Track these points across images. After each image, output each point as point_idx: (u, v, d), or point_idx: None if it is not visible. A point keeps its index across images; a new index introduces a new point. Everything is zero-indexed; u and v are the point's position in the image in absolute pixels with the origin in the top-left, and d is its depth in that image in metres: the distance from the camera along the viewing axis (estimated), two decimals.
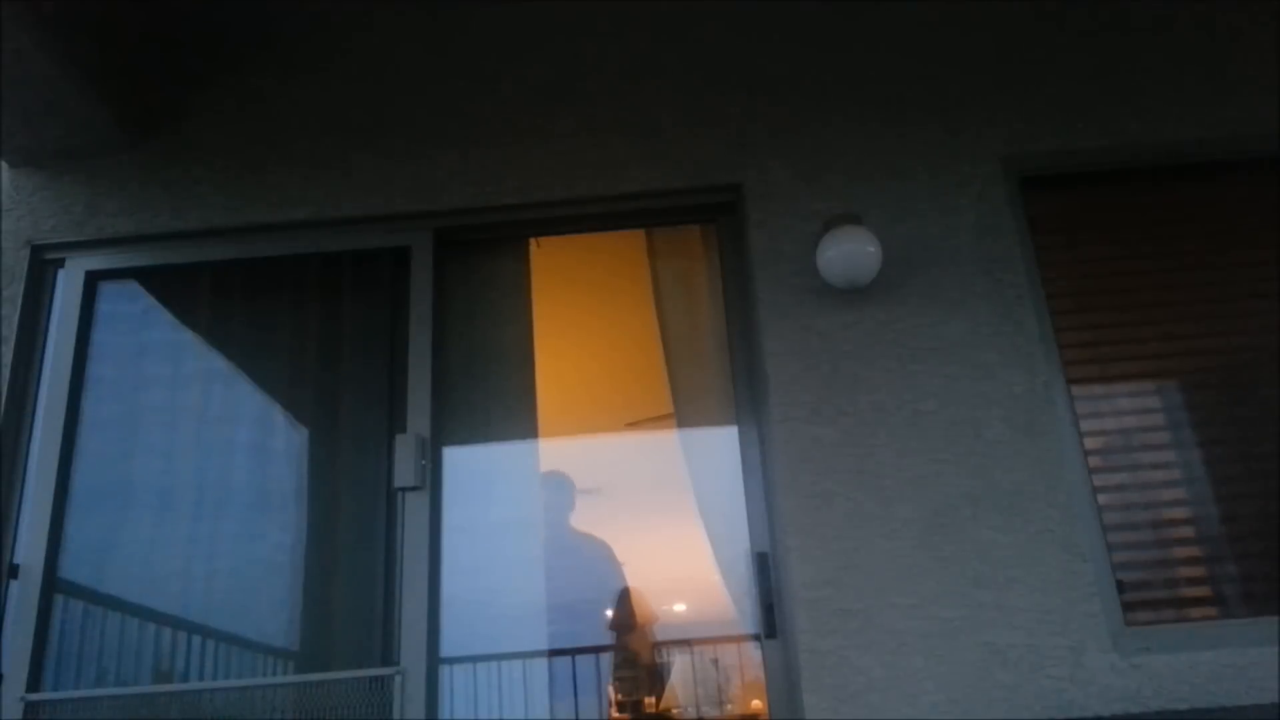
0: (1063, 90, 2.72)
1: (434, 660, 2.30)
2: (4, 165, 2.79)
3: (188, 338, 2.70)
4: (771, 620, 2.32)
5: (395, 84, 2.85)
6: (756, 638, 2.35)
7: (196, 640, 2.41)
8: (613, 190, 2.67)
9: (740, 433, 2.56)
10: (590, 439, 3.40)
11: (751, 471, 2.47)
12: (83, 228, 2.71)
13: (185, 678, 2.36)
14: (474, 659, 2.32)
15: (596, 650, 3.00)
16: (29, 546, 2.41)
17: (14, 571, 2.41)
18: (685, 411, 2.73)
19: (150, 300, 2.73)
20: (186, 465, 2.53)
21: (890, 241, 2.46)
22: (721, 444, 2.66)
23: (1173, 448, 2.45)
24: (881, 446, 2.35)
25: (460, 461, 2.49)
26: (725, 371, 2.64)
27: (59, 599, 2.40)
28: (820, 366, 2.43)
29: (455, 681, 2.34)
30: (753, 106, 2.74)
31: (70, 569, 2.43)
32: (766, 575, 2.35)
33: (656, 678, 3.34)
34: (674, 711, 3.19)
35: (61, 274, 2.70)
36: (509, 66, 2.85)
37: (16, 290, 2.63)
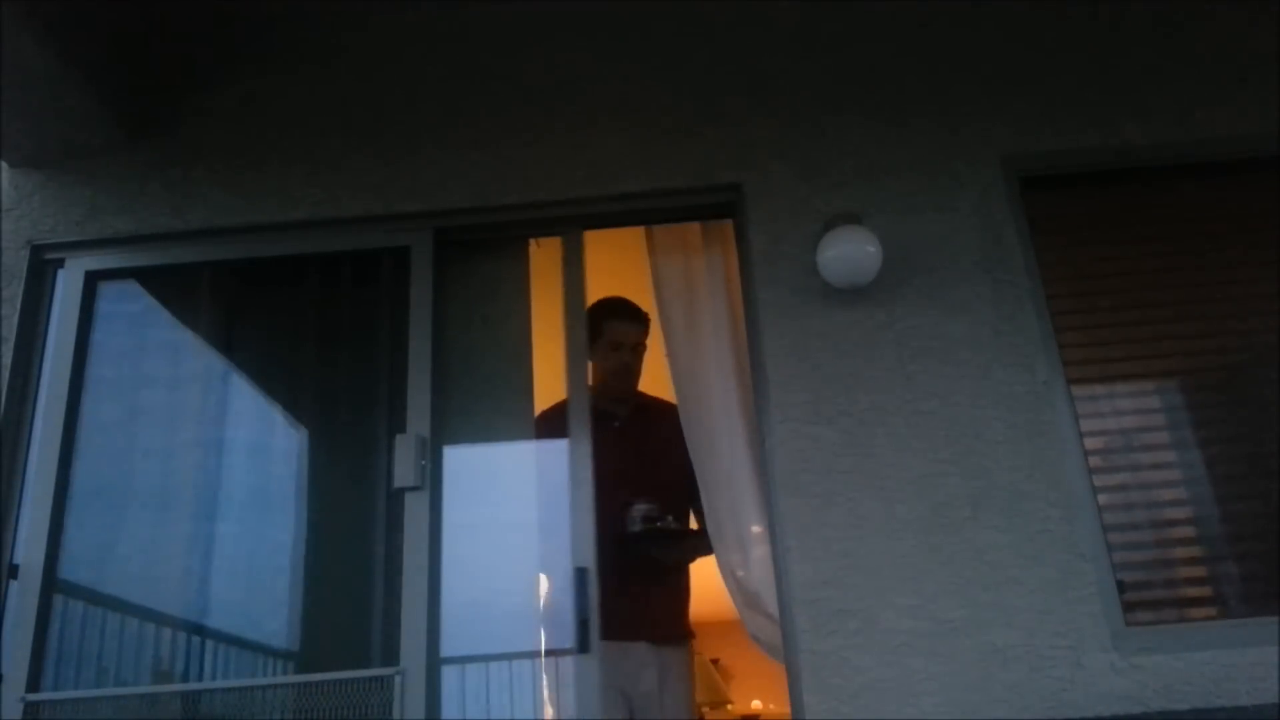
0: (1063, 90, 2.72)
1: (434, 660, 2.29)
2: (4, 165, 2.79)
3: (188, 338, 2.70)
4: (585, 636, 2.27)
5: (395, 84, 2.85)
6: (568, 652, 2.30)
7: (196, 640, 2.41)
8: (612, 190, 2.67)
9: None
10: None
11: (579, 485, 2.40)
12: (83, 228, 2.71)
13: (185, 678, 2.36)
14: (474, 659, 2.32)
15: None
16: (29, 546, 2.40)
17: (14, 571, 2.41)
18: (687, 410, 2.72)
19: (150, 300, 2.72)
20: (186, 465, 2.53)
21: (890, 241, 2.46)
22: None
23: (1173, 448, 2.45)
24: (881, 446, 2.35)
25: (460, 461, 2.49)
26: (726, 370, 2.65)
27: (59, 599, 2.40)
28: (820, 366, 2.42)
29: (455, 681, 2.33)
30: (753, 106, 2.74)
31: (70, 569, 2.42)
32: (584, 590, 2.30)
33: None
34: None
35: (61, 274, 2.69)
36: (509, 66, 2.85)
37: (16, 290, 2.63)
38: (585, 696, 2.25)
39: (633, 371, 2.94)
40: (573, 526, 2.36)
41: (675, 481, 2.78)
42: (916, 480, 2.31)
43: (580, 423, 2.45)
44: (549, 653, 2.43)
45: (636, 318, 2.93)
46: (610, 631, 2.52)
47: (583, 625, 2.27)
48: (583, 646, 2.27)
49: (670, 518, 2.72)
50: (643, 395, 3.01)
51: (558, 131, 2.74)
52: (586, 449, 2.42)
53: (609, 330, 2.89)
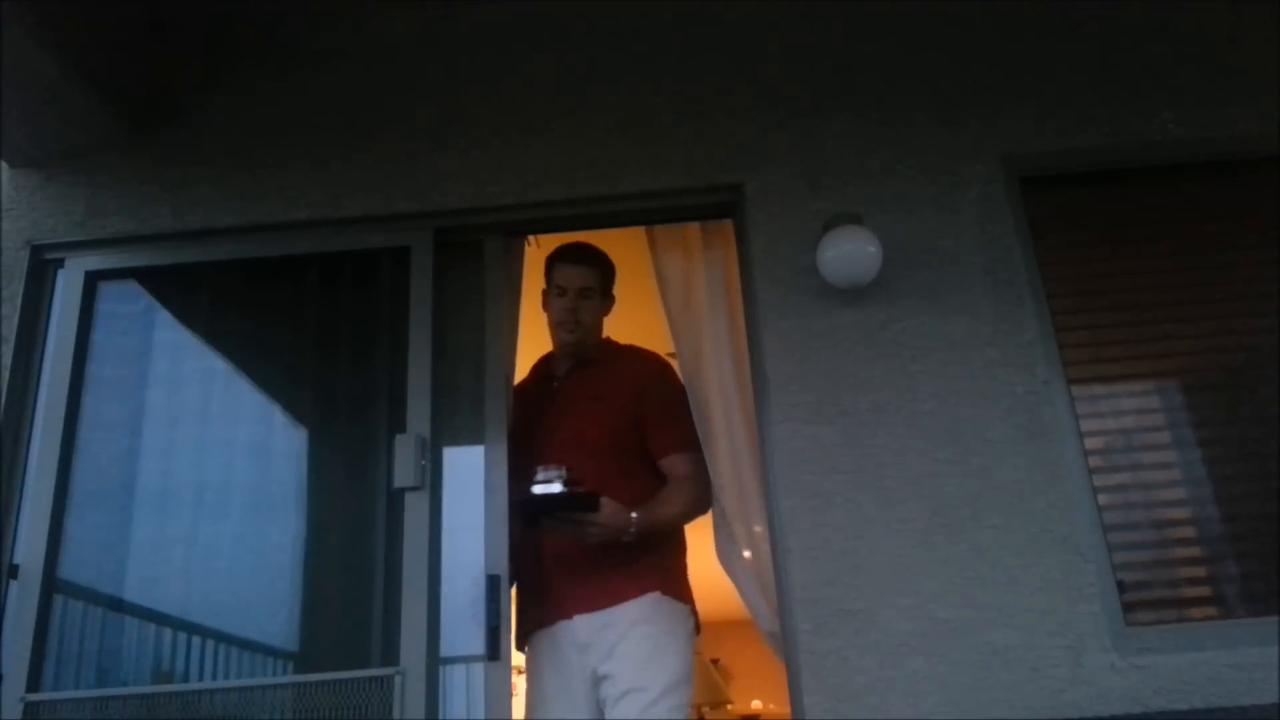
0: (1063, 90, 2.72)
1: (434, 660, 2.29)
2: (4, 165, 2.79)
3: (188, 338, 2.70)
4: (496, 643, 2.25)
5: (395, 84, 2.85)
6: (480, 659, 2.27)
7: (196, 640, 2.41)
8: (613, 190, 2.67)
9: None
10: None
11: (493, 490, 2.38)
12: (83, 228, 2.71)
13: (185, 678, 2.36)
14: (474, 659, 2.31)
15: None
16: (29, 546, 2.40)
17: (14, 571, 2.41)
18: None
19: (150, 300, 2.72)
20: (186, 465, 2.53)
21: (890, 241, 2.46)
22: None
23: (1173, 448, 2.45)
24: (881, 446, 2.35)
25: (460, 461, 2.48)
26: (728, 370, 2.65)
27: (59, 599, 2.40)
28: (820, 366, 2.42)
29: (455, 681, 2.33)
30: (753, 106, 2.74)
31: (70, 569, 2.42)
32: (496, 598, 2.28)
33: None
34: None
35: (61, 274, 2.69)
36: (509, 66, 2.85)
37: (16, 290, 2.63)
38: (497, 704, 2.23)
39: (581, 321, 2.56)
40: (486, 533, 2.34)
41: (604, 438, 2.45)
42: (916, 480, 2.31)
43: (496, 426, 2.44)
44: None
45: (581, 259, 2.58)
46: (536, 622, 2.40)
47: (493, 633, 2.25)
48: (493, 654, 2.25)
49: (560, 478, 2.23)
50: (606, 347, 2.66)
51: (558, 131, 2.74)
52: (501, 453, 2.42)
53: (553, 276, 2.60)
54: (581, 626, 2.34)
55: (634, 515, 2.29)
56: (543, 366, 2.77)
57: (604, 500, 2.25)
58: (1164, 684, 2.13)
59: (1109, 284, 2.58)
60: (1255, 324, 2.52)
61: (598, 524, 2.25)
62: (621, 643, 2.30)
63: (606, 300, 2.65)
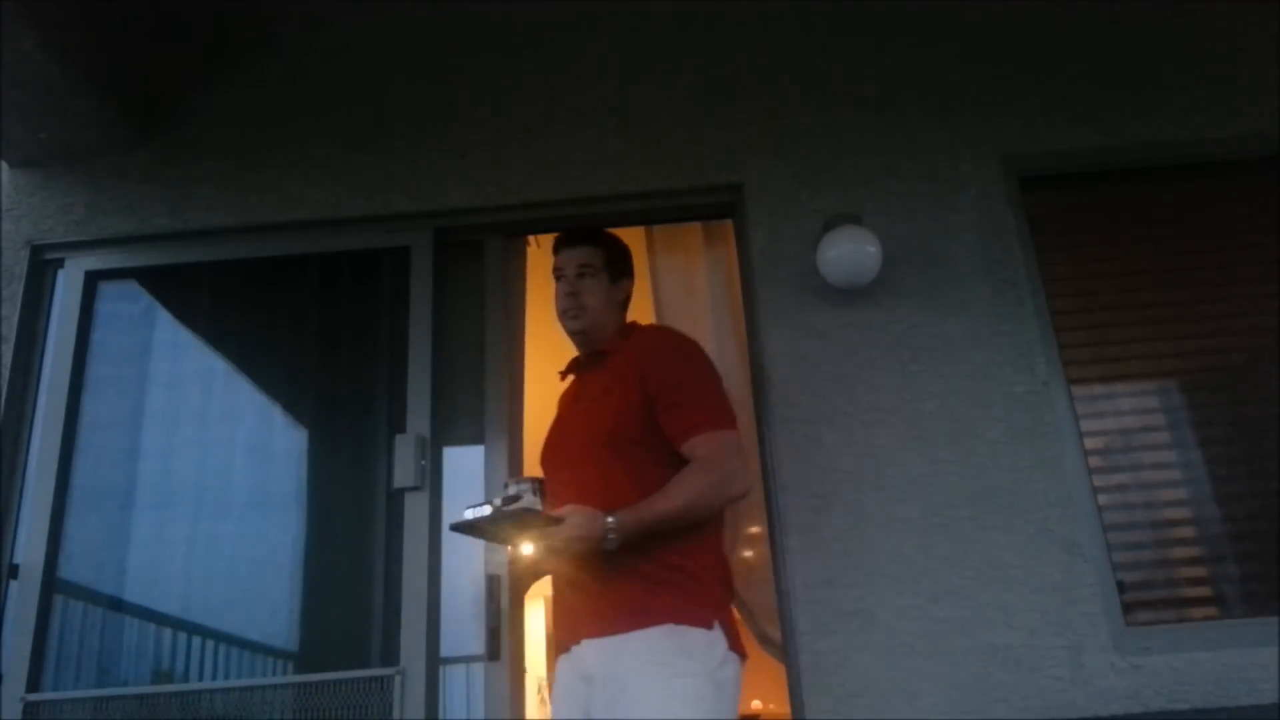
0: (1063, 90, 2.71)
1: (434, 660, 2.29)
2: (4, 165, 2.79)
3: (188, 338, 2.70)
4: (496, 643, 2.26)
5: (395, 84, 2.85)
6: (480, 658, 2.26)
7: (196, 640, 2.41)
8: (612, 190, 2.67)
9: None
10: None
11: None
12: (83, 228, 2.71)
13: (185, 678, 2.36)
14: (474, 659, 2.32)
15: None
16: (29, 546, 2.41)
17: (14, 571, 2.41)
18: None
19: (150, 300, 2.73)
20: (186, 465, 2.53)
21: (890, 241, 2.46)
22: None
23: (1173, 448, 2.45)
24: (881, 447, 2.35)
25: (460, 461, 2.48)
26: (729, 370, 2.64)
27: (59, 599, 2.40)
28: (820, 366, 2.42)
29: (455, 681, 2.33)
30: (753, 106, 2.73)
31: (70, 569, 2.43)
32: (494, 598, 2.27)
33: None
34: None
35: (61, 274, 2.70)
36: (509, 66, 2.85)
37: (16, 290, 2.63)
38: (497, 704, 2.23)
39: (584, 306, 2.22)
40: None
41: (604, 434, 2.10)
42: (916, 480, 2.31)
43: (496, 426, 2.45)
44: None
45: (576, 240, 2.29)
46: (560, 644, 2.07)
47: (493, 634, 2.25)
48: (492, 654, 2.25)
49: (525, 491, 1.92)
50: (625, 333, 2.28)
51: (557, 131, 2.74)
52: (501, 453, 2.44)
53: (554, 265, 2.30)
54: (589, 654, 1.97)
55: (609, 520, 1.89)
56: (574, 364, 2.41)
57: (569, 509, 1.90)
58: (1164, 684, 2.13)
59: (1109, 284, 2.58)
60: (1255, 324, 2.52)
61: (566, 537, 1.89)
62: (627, 693, 1.89)
63: (618, 282, 2.28)
